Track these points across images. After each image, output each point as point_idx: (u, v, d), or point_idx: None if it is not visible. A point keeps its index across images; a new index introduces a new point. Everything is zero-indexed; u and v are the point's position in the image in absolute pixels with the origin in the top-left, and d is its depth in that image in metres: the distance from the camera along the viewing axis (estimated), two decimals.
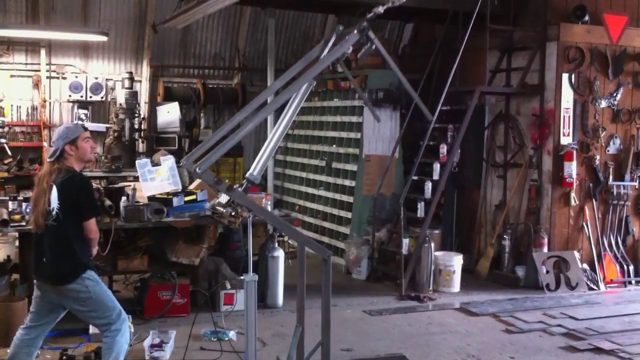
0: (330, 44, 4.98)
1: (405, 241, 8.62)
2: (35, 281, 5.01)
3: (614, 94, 8.98)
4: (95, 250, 5.17)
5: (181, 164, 4.47)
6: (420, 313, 7.57)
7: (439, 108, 8.94)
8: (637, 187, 9.09)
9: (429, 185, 9.18)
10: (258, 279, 4.92)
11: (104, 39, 9.99)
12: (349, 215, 9.63)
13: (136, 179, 7.91)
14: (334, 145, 10.11)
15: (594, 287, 8.59)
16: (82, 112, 10.48)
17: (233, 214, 7.32)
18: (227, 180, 9.95)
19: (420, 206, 9.23)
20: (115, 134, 10.32)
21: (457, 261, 8.54)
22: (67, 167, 4.85)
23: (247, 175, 4.52)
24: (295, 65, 4.91)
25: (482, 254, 9.38)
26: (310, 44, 11.76)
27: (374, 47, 4.84)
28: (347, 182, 9.69)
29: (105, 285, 5.23)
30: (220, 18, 11.22)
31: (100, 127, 10.56)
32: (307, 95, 4.80)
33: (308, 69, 4.73)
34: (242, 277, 4.77)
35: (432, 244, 8.49)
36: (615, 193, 8.95)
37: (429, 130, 9.09)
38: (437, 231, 9.38)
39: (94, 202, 5.24)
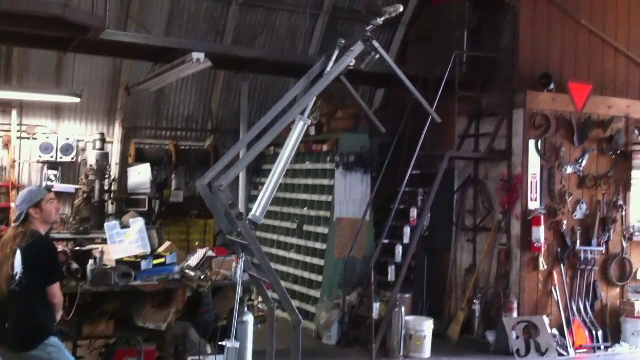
0: (334, 58, 5.00)
1: (376, 305, 8.58)
2: None
3: (580, 160, 9.18)
4: (59, 315, 5.05)
5: (196, 184, 4.45)
6: None
7: (409, 172, 9.07)
8: (604, 252, 9.21)
9: (399, 249, 9.20)
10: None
11: (77, 100, 10.00)
12: (319, 278, 9.58)
13: (104, 241, 7.81)
14: (306, 208, 10.13)
15: (564, 353, 8.59)
16: (51, 173, 10.39)
17: (202, 277, 7.29)
18: (197, 243, 9.90)
19: (391, 270, 9.22)
20: (85, 195, 10.21)
21: (428, 326, 8.50)
22: (32, 230, 4.79)
23: (250, 216, 4.46)
24: (299, 84, 4.94)
25: (452, 319, 9.35)
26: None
27: (377, 56, 4.91)
28: (318, 245, 9.68)
29: (68, 352, 5.10)
30: (194, 81, 11.32)
31: (70, 188, 10.46)
32: (299, 135, 4.75)
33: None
34: (224, 343, 4.67)
35: (403, 308, 8.46)
36: (583, 258, 9.05)
37: (399, 194, 9.18)
38: (408, 295, 9.36)
39: (59, 266, 5.15)
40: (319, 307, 9.17)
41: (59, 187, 10.17)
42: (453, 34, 9.88)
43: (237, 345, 4.60)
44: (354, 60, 4.88)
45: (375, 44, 4.86)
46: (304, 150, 10.42)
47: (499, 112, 9.19)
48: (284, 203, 10.68)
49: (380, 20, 4.96)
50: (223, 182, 4.27)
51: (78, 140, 10.70)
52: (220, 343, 6.89)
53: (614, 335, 9.13)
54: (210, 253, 7.80)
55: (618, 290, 9.38)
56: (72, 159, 10.56)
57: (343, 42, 5.11)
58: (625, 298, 9.35)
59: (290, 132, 4.81)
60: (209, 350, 7.14)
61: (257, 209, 4.49)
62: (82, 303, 6.74)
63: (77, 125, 10.87)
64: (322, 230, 9.68)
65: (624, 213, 9.33)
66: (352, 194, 9.68)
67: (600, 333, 9.01)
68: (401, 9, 5.14)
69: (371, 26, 4.93)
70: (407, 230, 9.26)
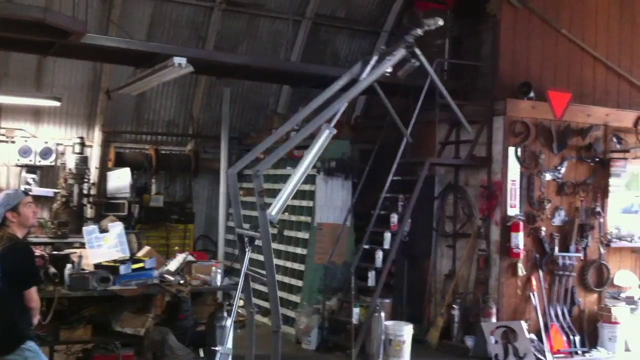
0: (372, 62, 5.02)
1: (356, 310, 8.60)
2: None
3: (559, 168, 9.27)
4: (36, 319, 5.02)
5: (226, 172, 4.56)
6: None
7: (390, 178, 9.11)
8: (582, 258, 9.30)
9: (380, 254, 9.22)
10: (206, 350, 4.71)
11: (57, 104, 9.95)
12: (299, 283, 9.58)
13: (83, 245, 7.76)
14: (286, 213, 10.12)
15: (542, 358, 8.64)
16: (30, 177, 10.31)
17: (182, 282, 7.27)
18: (176, 248, 9.87)
19: (371, 275, 9.24)
20: (64, 199, 10.14)
21: (407, 331, 8.52)
22: (9, 234, 4.75)
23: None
24: (333, 86, 5.00)
25: (432, 324, 9.39)
26: (265, 113, 11.90)
27: (417, 64, 4.94)
28: (298, 250, 9.68)
29: (45, 356, 5.06)
30: (175, 85, 11.30)
31: (48, 192, 10.39)
32: (323, 143, 4.88)
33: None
34: (217, 348, 4.67)
35: (383, 314, 8.48)
36: (561, 264, 9.13)
37: (380, 200, 9.21)
38: (387, 300, 9.38)
39: (36, 270, 5.12)
40: (298, 312, 9.17)
41: (37, 190, 10.09)
42: (434, 42, 9.94)
43: (230, 351, 4.58)
44: (391, 68, 4.92)
45: (417, 51, 4.91)
46: (286, 156, 10.40)
47: (479, 120, 9.25)
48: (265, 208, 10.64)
49: (420, 31, 5.02)
50: (260, 168, 4.37)
51: (57, 144, 10.63)
52: (213, 348, 6.91)
53: (591, 340, 9.20)
54: (190, 258, 7.78)
55: (595, 295, 9.47)
56: (51, 162, 10.49)
57: (383, 47, 5.16)
58: (602, 304, 9.43)
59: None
60: (201, 354, 7.12)
61: (273, 209, 4.59)
62: (59, 308, 6.69)
63: (57, 129, 10.80)
64: (303, 235, 9.69)
65: (601, 220, 9.43)
66: (332, 199, 9.71)
67: (577, 338, 9.08)
68: (441, 22, 5.20)
69: (411, 36, 4.98)
70: (387, 235, 9.29)
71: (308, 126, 4.83)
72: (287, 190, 4.70)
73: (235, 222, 5.09)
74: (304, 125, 5.02)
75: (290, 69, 10.23)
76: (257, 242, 4.82)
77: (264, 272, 4.82)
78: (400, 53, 4.88)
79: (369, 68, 5.04)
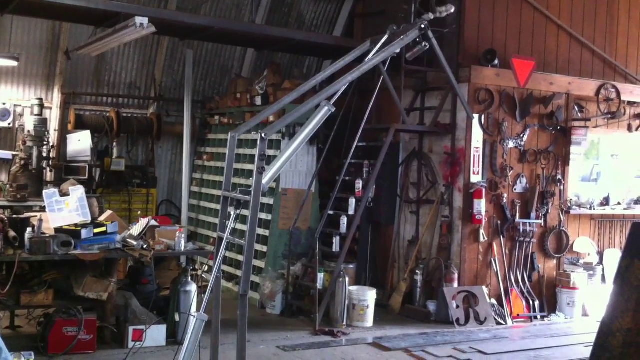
0: (382, 42, 5.02)
1: (320, 276, 8.64)
2: None
3: (521, 135, 9.36)
4: None
5: (230, 133, 4.63)
6: (334, 348, 7.56)
7: (355, 144, 9.10)
8: (542, 225, 9.46)
9: (344, 220, 9.24)
10: (170, 315, 4.65)
11: (14, 64, 9.66)
12: (264, 249, 9.57)
13: (43, 209, 7.61)
14: (251, 178, 10.04)
15: (502, 322, 8.83)
16: None
17: (145, 246, 7.20)
18: (139, 212, 9.75)
19: (336, 241, 9.25)
20: (22, 162, 9.90)
21: (370, 296, 8.60)
22: None
23: None
24: (345, 58, 5.05)
25: (395, 289, 9.49)
26: (229, 76, 11.75)
27: (427, 46, 4.96)
28: (263, 216, 9.64)
29: None
30: (136, 47, 11.05)
31: (7, 154, 10.13)
32: (321, 120, 5.02)
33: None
34: (193, 314, 4.68)
35: (347, 279, 8.54)
36: (521, 230, 9.28)
37: (345, 166, 9.20)
38: (351, 266, 9.45)
39: None
40: (263, 278, 9.17)
41: None
42: (400, 7, 9.87)
43: (206, 318, 4.57)
44: (399, 49, 4.94)
45: (430, 34, 4.94)
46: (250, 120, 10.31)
47: (444, 87, 9.26)
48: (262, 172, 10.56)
49: (432, 16, 5.07)
50: (267, 132, 4.39)
51: (15, 106, 10.34)
52: (191, 314, 6.89)
53: (550, 305, 9.42)
54: (153, 222, 7.70)
55: (555, 262, 9.67)
56: (9, 124, 10.21)
57: (395, 27, 5.17)
58: (561, 269, 9.65)
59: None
60: (177, 318, 7.09)
61: (265, 178, 4.74)
62: (19, 272, 6.59)
63: (14, 90, 10.48)
64: (267, 200, 9.65)
65: (562, 187, 9.59)
66: (297, 165, 9.67)
67: (537, 303, 9.28)
68: (452, 9, 5.25)
69: (422, 20, 5.01)
70: (352, 201, 9.30)
71: (311, 100, 4.94)
72: (281, 161, 4.79)
73: (224, 185, 5.29)
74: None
75: (255, 31, 10.07)
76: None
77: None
78: (413, 35, 4.89)
79: (375, 49, 5.06)
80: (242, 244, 4.96)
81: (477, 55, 9.40)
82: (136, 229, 7.58)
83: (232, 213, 4.97)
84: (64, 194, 7.46)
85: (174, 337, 7.16)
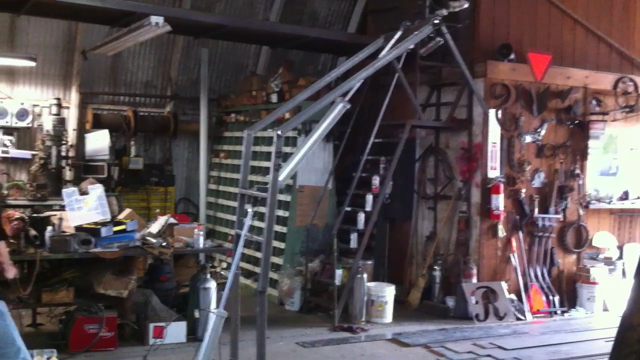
0: (395, 39, 5.05)
1: (338, 272, 8.64)
2: None
3: (539, 130, 9.30)
4: (11, 273, 4.99)
5: (245, 131, 4.67)
6: (352, 344, 7.56)
7: (371, 140, 9.08)
8: (561, 219, 9.40)
9: (361, 217, 9.24)
10: (189, 312, 4.69)
11: (32, 64, 9.74)
12: (282, 245, 9.59)
13: (62, 208, 7.67)
14: (267, 176, 10.07)
15: (521, 317, 8.78)
16: (6, 139, 10.14)
17: (164, 244, 7.24)
18: (157, 210, 9.80)
19: (353, 237, 9.27)
20: (42, 162, 9.98)
21: (389, 292, 8.59)
22: None
23: None
24: (359, 54, 5.09)
25: (413, 285, 9.47)
26: (244, 74, 11.77)
27: (442, 41, 4.98)
28: (280, 213, 9.66)
29: (11, 320, 4.96)
30: (152, 46, 11.11)
31: (26, 154, 10.23)
32: (336, 116, 5.04)
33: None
34: (213, 311, 4.71)
35: (365, 275, 8.53)
36: (540, 225, 9.22)
37: (361, 162, 9.19)
38: (369, 262, 9.44)
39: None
40: (281, 274, 9.19)
41: (14, 153, 9.96)
42: (414, 3, 9.84)
43: (225, 314, 4.60)
44: (412, 45, 4.96)
45: (444, 29, 4.96)
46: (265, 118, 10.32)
47: (459, 82, 9.22)
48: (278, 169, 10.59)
49: (445, 12, 5.08)
50: (283, 129, 4.43)
51: (33, 105, 10.43)
52: (211, 311, 6.93)
53: (570, 300, 9.36)
54: (172, 220, 7.75)
55: (574, 256, 9.60)
56: (28, 124, 10.31)
57: (408, 24, 5.19)
58: (581, 264, 9.57)
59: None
60: (197, 314, 7.13)
61: (281, 175, 4.80)
62: (40, 270, 6.65)
63: (33, 90, 10.58)
64: (284, 197, 9.66)
65: (580, 182, 9.52)
66: (314, 162, 9.67)
67: (556, 298, 9.22)
68: (466, 4, 5.24)
69: (437, 15, 5.03)
70: (369, 198, 9.29)
71: (326, 96, 4.96)
72: (297, 157, 4.81)
73: (241, 182, 5.34)
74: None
75: (268, 29, 10.10)
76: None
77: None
78: (427, 30, 4.89)
79: (389, 45, 5.08)
80: (260, 241, 4.98)
81: (492, 50, 9.34)
82: (155, 227, 7.62)
83: (250, 210, 4.98)
84: (83, 192, 7.51)
85: (194, 334, 7.20)
